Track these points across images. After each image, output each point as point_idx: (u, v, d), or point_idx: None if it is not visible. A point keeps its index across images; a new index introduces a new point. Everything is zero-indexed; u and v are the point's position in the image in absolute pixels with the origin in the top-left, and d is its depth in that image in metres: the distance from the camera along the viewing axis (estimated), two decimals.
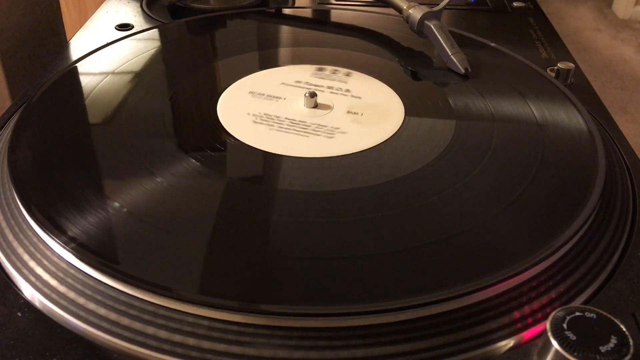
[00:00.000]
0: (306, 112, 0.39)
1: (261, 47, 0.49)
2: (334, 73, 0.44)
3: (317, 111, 0.39)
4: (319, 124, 0.38)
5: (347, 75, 0.44)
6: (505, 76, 0.44)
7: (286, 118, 0.38)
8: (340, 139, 0.36)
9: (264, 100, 0.40)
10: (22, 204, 0.29)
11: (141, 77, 0.42)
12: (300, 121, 0.38)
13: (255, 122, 0.38)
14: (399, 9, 0.49)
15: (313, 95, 0.39)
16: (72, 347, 0.24)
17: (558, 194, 0.32)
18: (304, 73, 0.44)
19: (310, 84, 0.42)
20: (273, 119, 0.38)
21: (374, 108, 0.40)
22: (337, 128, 0.37)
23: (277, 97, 0.41)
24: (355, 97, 0.41)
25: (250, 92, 0.41)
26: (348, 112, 0.39)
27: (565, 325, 0.23)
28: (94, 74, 0.42)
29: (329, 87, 0.42)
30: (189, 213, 0.30)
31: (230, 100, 0.40)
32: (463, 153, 0.35)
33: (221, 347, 0.24)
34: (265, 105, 0.40)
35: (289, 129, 0.37)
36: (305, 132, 0.37)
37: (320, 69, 0.44)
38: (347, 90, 0.42)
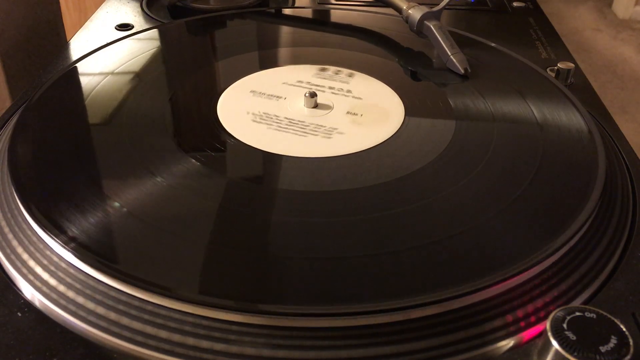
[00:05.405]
0: (306, 112, 0.39)
1: (261, 47, 0.49)
2: (336, 74, 0.44)
3: (317, 111, 0.39)
4: (317, 124, 0.38)
5: (350, 76, 0.44)
6: (505, 76, 0.44)
7: (285, 117, 0.38)
8: (338, 139, 0.36)
9: (264, 100, 0.40)
10: (22, 204, 0.29)
11: (141, 77, 0.42)
12: (299, 121, 0.38)
13: (254, 121, 0.38)
14: (398, 9, 0.49)
15: (313, 95, 0.39)
16: (72, 347, 0.24)
17: (558, 194, 0.32)
18: (306, 73, 0.44)
19: (312, 84, 0.42)
20: (272, 118, 0.38)
21: (374, 109, 0.40)
22: (335, 128, 0.37)
23: (277, 97, 0.41)
24: (356, 97, 0.41)
25: (251, 91, 0.41)
26: (348, 112, 0.39)
27: (565, 325, 0.23)
28: (94, 74, 0.42)
29: (330, 88, 0.42)
30: (189, 213, 0.30)
31: (230, 100, 0.40)
32: (463, 153, 0.35)
33: (221, 346, 0.24)
34: (265, 105, 0.40)
35: (287, 128, 0.37)
36: (303, 132, 0.37)
37: (323, 70, 0.44)
38: (349, 91, 0.42)
